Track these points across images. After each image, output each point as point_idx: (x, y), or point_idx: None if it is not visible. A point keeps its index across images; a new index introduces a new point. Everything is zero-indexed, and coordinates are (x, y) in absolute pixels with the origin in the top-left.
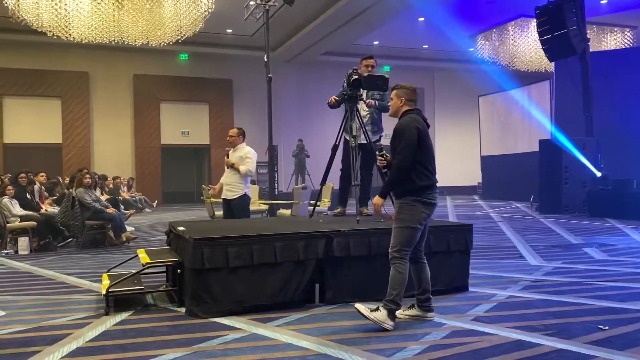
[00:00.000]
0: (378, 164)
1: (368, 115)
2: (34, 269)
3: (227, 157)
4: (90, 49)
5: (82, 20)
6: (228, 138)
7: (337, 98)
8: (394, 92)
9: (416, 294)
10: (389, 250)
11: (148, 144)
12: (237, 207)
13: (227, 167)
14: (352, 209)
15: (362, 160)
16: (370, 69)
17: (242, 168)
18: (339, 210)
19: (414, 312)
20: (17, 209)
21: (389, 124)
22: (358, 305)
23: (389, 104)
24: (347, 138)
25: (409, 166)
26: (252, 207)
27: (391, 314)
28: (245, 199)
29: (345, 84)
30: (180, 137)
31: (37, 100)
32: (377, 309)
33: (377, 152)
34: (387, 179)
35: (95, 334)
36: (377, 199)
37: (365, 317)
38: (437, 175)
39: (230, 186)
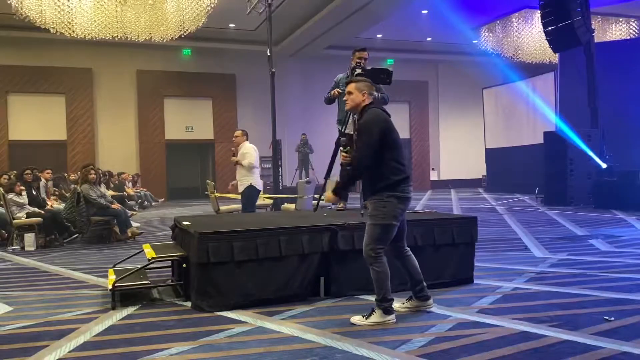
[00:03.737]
0: (342, 160)
1: None
2: (41, 265)
3: (234, 155)
4: (93, 46)
5: (85, 17)
6: (233, 139)
7: (339, 91)
8: (354, 85)
9: (410, 287)
10: (363, 248)
11: (152, 139)
12: (243, 196)
13: (235, 164)
14: (351, 204)
15: None
16: (363, 61)
17: (244, 162)
18: (340, 205)
19: (412, 303)
20: (23, 199)
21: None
22: (353, 319)
23: (386, 95)
24: (349, 132)
25: (367, 164)
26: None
27: (387, 311)
28: (251, 188)
29: (337, 81)
30: (185, 133)
31: (41, 97)
32: (371, 313)
33: (341, 148)
34: (343, 178)
35: (101, 329)
36: (330, 195)
37: (364, 326)
38: (442, 168)
39: (239, 181)
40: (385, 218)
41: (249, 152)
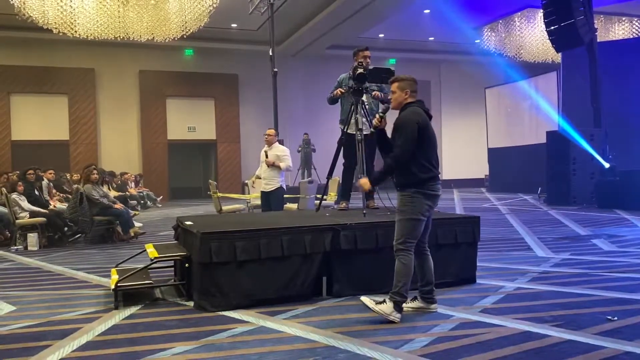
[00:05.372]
0: (374, 122)
1: (368, 107)
2: (44, 265)
3: (266, 155)
4: (95, 46)
5: (87, 17)
6: (266, 137)
7: (342, 91)
8: (397, 84)
9: (419, 286)
10: (394, 243)
11: (155, 139)
12: (273, 198)
13: (268, 166)
14: (354, 204)
15: (367, 152)
16: (368, 60)
17: (282, 165)
18: (343, 205)
19: (417, 304)
20: (26, 205)
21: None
22: (363, 298)
23: (390, 96)
24: (351, 132)
25: (405, 160)
26: (258, 202)
27: (397, 306)
28: (281, 190)
29: (340, 81)
30: (187, 133)
31: (44, 97)
32: (382, 302)
33: (378, 113)
34: (382, 169)
35: (104, 328)
36: (365, 182)
37: (371, 310)
38: (444, 168)
39: (268, 180)
40: (413, 213)
41: (287, 154)
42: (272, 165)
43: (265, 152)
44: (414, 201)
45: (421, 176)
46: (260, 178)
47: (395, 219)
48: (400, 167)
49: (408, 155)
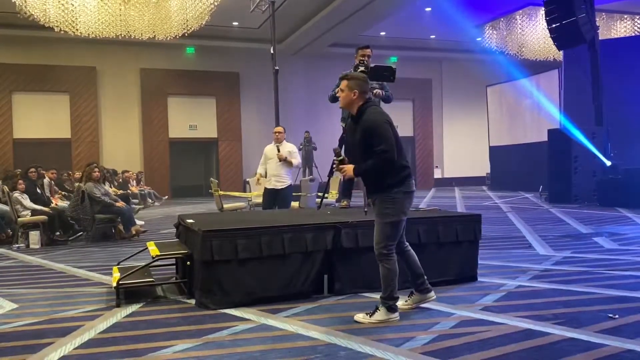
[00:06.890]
0: (335, 169)
1: None
2: (45, 263)
3: (278, 151)
4: (97, 44)
5: (88, 15)
6: (277, 135)
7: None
8: (345, 82)
9: (411, 281)
10: (375, 247)
11: (156, 138)
12: (283, 196)
13: (280, 161)
14: (355, 202)
15: None
16: (367, 59)
17: (294, 162)
18: (344, 203)
19: (415, 298)
20: (28, 203)
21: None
22: (357, 317)
23: (390, 93)
24: None
25: (394, 158)
26: (259, 200)
27: (391, 309)
28: (291, 188)
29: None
30: (188, 131)
31: (45, 95)
32: (375, 311)
33: (335, 158)
34: (371, 163)
35: (106, 326)
36: (350, 170)
37: (369, 322)
38: (446, 166)
39: (278, 177)
40: (395, 214)
41: (297, 151)
42: (284, 161)
43: (277, 146)
44: (396, 202)
45: (401, 174)
46: (263, 176)
47: (376, 222)
48: (387, 167)
49: (395, 154)
